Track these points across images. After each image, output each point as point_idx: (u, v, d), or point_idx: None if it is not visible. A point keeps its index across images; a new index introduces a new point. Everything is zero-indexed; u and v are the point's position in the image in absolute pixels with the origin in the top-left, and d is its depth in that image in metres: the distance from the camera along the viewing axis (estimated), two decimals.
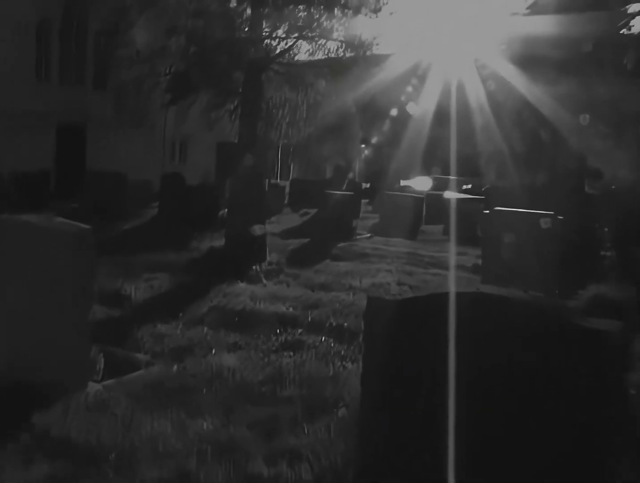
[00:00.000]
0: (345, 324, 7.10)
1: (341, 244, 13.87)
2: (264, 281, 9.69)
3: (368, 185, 32.63)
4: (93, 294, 5.54)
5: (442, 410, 3.66)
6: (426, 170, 38.36)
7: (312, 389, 5.09)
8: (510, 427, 3.55)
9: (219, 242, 12.46)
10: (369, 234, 16.77)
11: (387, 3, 26.72)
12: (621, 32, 20.66)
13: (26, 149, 22.66)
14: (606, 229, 10.63)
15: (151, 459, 4.04)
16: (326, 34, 25.56)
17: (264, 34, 24.30)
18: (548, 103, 20.90)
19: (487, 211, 9.79)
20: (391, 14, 27.17)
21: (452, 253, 13.78)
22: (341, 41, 26.36)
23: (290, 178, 36.30)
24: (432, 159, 37.16)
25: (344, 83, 26.07)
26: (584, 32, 18.27)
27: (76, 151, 25.82)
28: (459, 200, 20.08)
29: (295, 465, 4.03)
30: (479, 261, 11.48)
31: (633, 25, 20.87)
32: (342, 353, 6.14)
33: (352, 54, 26.52)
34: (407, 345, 3.73)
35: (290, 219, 19.59)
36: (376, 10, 26.45)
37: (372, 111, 36.55)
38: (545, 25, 19.31)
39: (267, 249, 11.67)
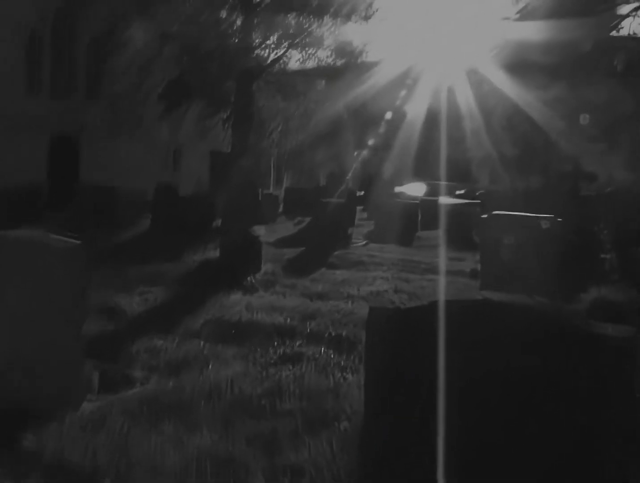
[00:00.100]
0: (344, 334, 6.98)
1: (337, 252, 13.75)
2: (260, 291, 9.57)
3: (362, 192, 32.55)
4: (86, 310, 5.42)
5: (448, 419, 3.56)
6: (420, 176, 38.31)
7: (312, 402, 4.96)
8: (521, 435, 3.45)
9: (214, 252, 12.34)
10: (364, 242, 16.67)
11: (377, 10, 26.77)
12: (611, 33, 20.70)
13: (18, 160, 22.50)
14: (605, 231, 10.55)
15: (149, 477, 3.92)
16: (317, 42, 25.57)
17: (254, 43, 24.29)
18: (539, 107, 20.92)
19: (485, 216, 9.70)
20: (382, 20, 27.22)
21: (442, 258, 13.68)
22: (332, 49, 26.37)
23: (284, 187, 36.25)
24: (425, 164, 37.14)
25: (336, 90, 26.07)
26: (573, 37, 18.29)
27: (69, 162, 25.67)
28: (455, 205, 20.03)
29: (297, 481, 3.91)
30: (477, 266, 11.39)
31: (622, 27, 20.93)
32: (342, 364, 6.02)
33: (343, 62, 26.54)
34: (410, 355, 3.62)
35: (284, 228, 19.48)
36: (367, 18, 26.47)
37: (364, 118, 36.53)
38: (536, 31, 19.32)
39: (262, 259, 11.55)
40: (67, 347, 4.98)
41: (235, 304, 8.46)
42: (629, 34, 20.71)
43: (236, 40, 23.85)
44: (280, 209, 25.84)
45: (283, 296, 9.31)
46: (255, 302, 8.63)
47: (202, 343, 6.74)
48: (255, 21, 24.13)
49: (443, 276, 10.91)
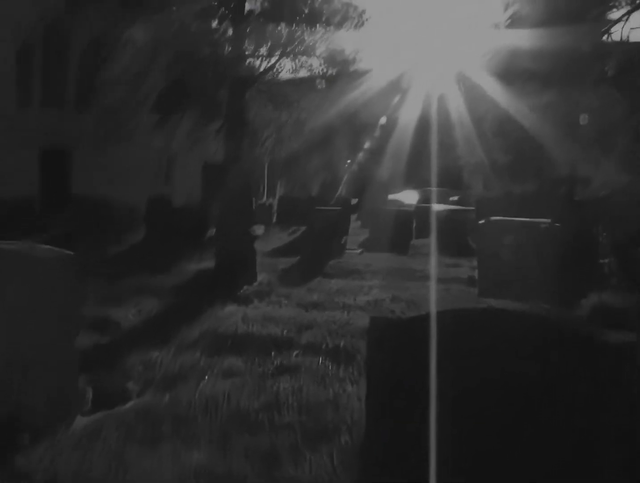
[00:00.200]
0: (342, 344, 6.87)
1: (332, 261, 13.66)
2: (256, 301, 9.47)
3: (356, 200, 32.52)
4: (79, 322, 5.30)
5: (452, 430, 3.47)
6: (413, 183, 38.32)
7: (311, 415, 4.85)
8: (530, 445, 3.36)
9: (208, 263, 12.23)
10: (360, 250, 16.58)
11: (369, 19, 26.78)
12: (602, 38, 20.74)
13: (9, 173, 22.39)
14: (604, 235, 10.49)
15: None
16: (309, 51, 25.54)
17: (246, 52, 24.26)
18: (532, 113, 20.95)
19: (482, 221, 9.61)
20: (373, 28, 27.24)
21: (438, 265, 13.62)
22: (324, 57, 26.36)
23: (278, 196, 36.20)
24: (418, 171, 37.18)
25: (328, 99, 26.07)
26: (564, 43, 18.32)
27: (60, 173, 25.56)
28: (449, 212, 19.98)
29: None
30: (474, 273, 11.31)
31: (613, 33, 20.98)
32: (341, 375, 5.91)
33: (335, 70, 26.53)
34: (412, 365, 3.53)
35: (279, 237, 19.39)
36: (358, 26, 26.47)
37: (356, 126, 36.57)
38: (526, 37, 19.35)
39: (257, 269, 11.45)
40: (60, 360, 4.87)
41: (231, 315, 8.35)
42: (620, 39, 20.75)
43: (228, 50, 23.82)
44: (274, 219, 25.75)
45: (279, 306, 9.20)
46: (251, 313, 8.53)
47: (198, 355, 6.63)
48: (247, 30, 24.09)
49: (441, 283, 10.82)
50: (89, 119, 23.38)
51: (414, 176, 38.62)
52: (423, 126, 32.98)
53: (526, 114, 21.29)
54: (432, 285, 10.70)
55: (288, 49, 25.05)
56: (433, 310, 3.66)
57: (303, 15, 24.61)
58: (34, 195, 22.76)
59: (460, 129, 27.87)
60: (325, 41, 25.38)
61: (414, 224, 19.44)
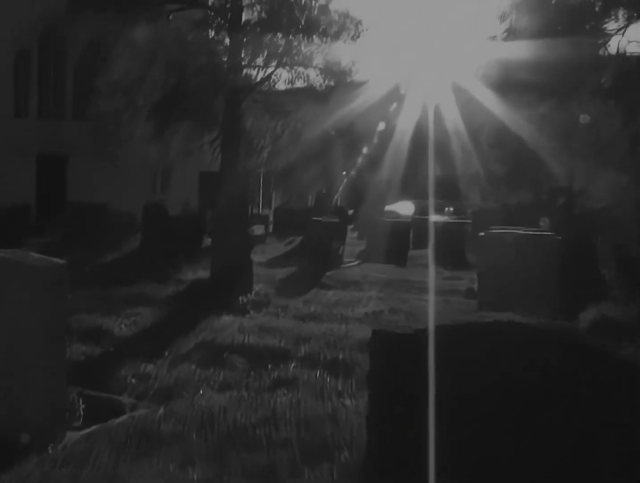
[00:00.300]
0: (340, 357, 6.73)
1: (329, 273, 13.53)
2: (252, 312, 9.32)
3: (351, 211, 32.45)
4: (68, 333, 5.15)
5: (459, 445, 3.34)
6: (409, 194, 38.29)
7: (310, 430, 4.69)
8: (541, 461, 3.24)
9: (204, 273, 12.09)
10: (357, 261, 16.45)
11: (366, 30, 26.72)
12: (599, 51, 20.72)
13: (6, 183, 22.29)
14: (605, 247, 10.37)
15: None
16: (305, 62, 25.48)
17: (243, 62, 24.18)
18: (528, 125, 20.91)
19: (482, 233, 9.48)
20: (370, 39, 27.22)
21: (436, 277, 13.50)
22: (320, 68, 26.28)
23: (273, 207, 36.09)
24: (415, 183, 37.16)
25: (324, 110, 26.00)
26: (561, 55, 18.28)
27: (57, 183, 25.46)
28: (446, 223, 19.89)
29: None
30: (473, 285, 11.19)
31: (609, 45, 20.96)
32: (339, 388, 5.76)
33: (332, 81, 26.45)
34: (416, 379, 3.39)
35: (275, 248, 19.25)
36: (355, 37, 26.43)
37: (353, 137, 36.51)
38: (523, 49, 19.31)
39: (254, 279, 11.31)
40: (50, 372, 4.71)
41: (227, 326, 8.21)
42: (617, 51, 20.73)
43: (225, 60, 23.74)
44: (270, 230, 25.65)
45: (276, 317, 9.06)
46: (248, 324, 8.39)
47: (193, 367, 6.47)
48: (244, 40, 24.02)
49: (439, 295, 10.69)
50: (86, 126, 23.26)
51: (410, 187, 38.57)
52: (419, 138, 32.97)
53: (523, 125, 21.25)
54: (436, 298, 10.58)
55: (285, 60, 24.96)
56: (431, 323, 3.54)
57: (300, 26, 24.55)
58: (30, 202, 22.64)
59: (456, 140, 27.85)
60: (322, 52, 25.31)
61: (411, 236, 19.33)
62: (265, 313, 9.34)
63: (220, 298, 9.74)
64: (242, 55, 24.34)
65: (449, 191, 33.53)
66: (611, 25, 20.76)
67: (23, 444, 4.28)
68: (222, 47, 24.30)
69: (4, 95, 24.73)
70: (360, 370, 6.16)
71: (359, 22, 26.21)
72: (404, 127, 36.20)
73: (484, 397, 3.36)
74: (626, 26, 20.32)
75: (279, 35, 24.16)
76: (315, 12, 24.75)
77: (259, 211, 34.52)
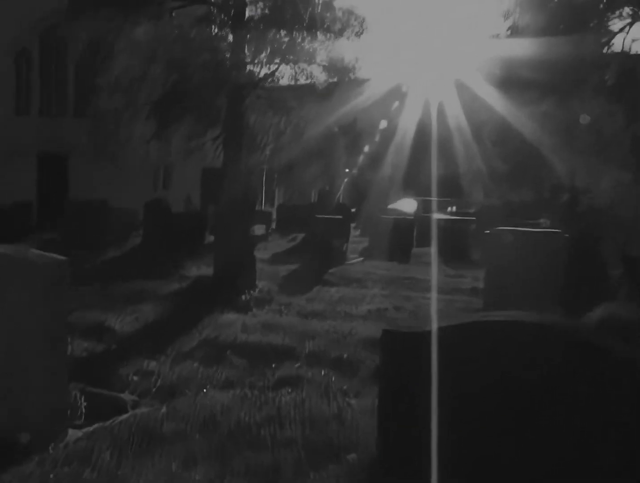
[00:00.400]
0: (345, 355, 6.65)
1: (332, 270, 13.44)
2: (255, 309, 9.24)
3: (354, 209, 32.38)
4: (70, 330, 5.07)
5: (472, 444, 3.27)
6: (411, 192, 38.21)
7: (315, 431, 4.61)
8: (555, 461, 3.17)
9: (206, 270, 12.00)
10: (360, 259, 16.37)
11: (369, 26, 26.62)
12: (603, 49, 20.64)
13: (7, 181, 22.27)
14: (612, 244, 10.27)
15: None
16: (309, 58, 25.40)
17: (246, 59, 24.10)
18: (531, 122, 20.82)
19: (489, 231, 9.38)
20: (373, 36, 27.12)
21: (440, 275, 13.44)
22: (324, 65, 26.21)
23: (276, 204, 36.03)
24: (417, 180, 37.07)
25: (327, 107, 25.94)
26: (565, 53, 18.21)
27: (58, 181, 25.43)
28: (449, 221, 19.80)
29: None
30: (477, 284, 11.11)
31: (613, 44, 20.88)
32: (345, 387, 5.68)
33: (335, 78, 26.37)
34: (427, 379, 3.32)
35: (278, 245, 19.17)
36: (359, 34, 26.33)
37: (355, 135, 36.45)
38: (527, 47, 19.23)
39: (257, 276, 11.23)
40: (52, 370, 4.63)
41: (230, 323, 8.12)
42: (621, 49, 20.65)
43: (228, 56, 23.66)
44: (273, 226, 25.59)
45: (279, 315, 8.97)
46: (251, 321, 8.30)
47: (196, 365, 6.40)
48: (247, 37, 23.94)
49: (444, 293, 10.60)
50: (87, 125, 23.21)
51: (413, 184, 38.50)
52: (422, 135, 32.90)
53: (525, 123, 21.17)
54: (439, 296, 10.50)
55: (288, 56, 24.90)
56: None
57: (304, 23, 24.46)
58: (31, 200, 22.61)
59: (459, 137, 27.76)
60: (325, 49, 25.23)
61: (415, 233, 19.24)
62: (268, 311, 9.25)
63: (223, 295, 9.66)
64: (246, 51, 24.27)
65: (451, 188, 33.46)
66: (615, 23, 20.69)
67: (23, 444, 4.21)
68: (225, 44, 24.24)
69: (5, 93, 24.71)
70: (366, 368, 6.10)
71: (363, 19, 26.13)
72: (407, 125, 36.13)
73: (495, 396, 3.28)
74: (631, 24, 20.24)
75: (283, 32, 24.09)
76: (319, 9, 24.67)
77: (261, 207, 34.45)
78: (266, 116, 26.72)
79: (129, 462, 4.15)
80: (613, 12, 20.47)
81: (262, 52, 24.65)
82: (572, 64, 18.41)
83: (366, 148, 41.87)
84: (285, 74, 26.50)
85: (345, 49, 25.62)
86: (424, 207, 31.57)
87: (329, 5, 23.78)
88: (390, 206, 31.86)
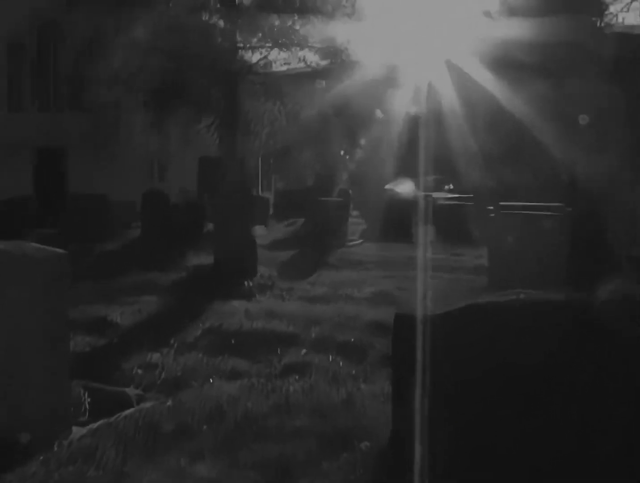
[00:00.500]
0: (352, 339, 6.54)
1: (333, 253, 13.33)
2: (258, 296, 9.14)
3: (351, 191, 32.25)
4: (71, 325, 4.95)
5: (490, 429, 3.17)
6: (408, 172, 38.02)
7: (326, 419, 4.48)
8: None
9: (208, 258, 11.88)
10: (360, 241, 16.27)
11: (361, 7, 26.37)
12: (602, 28, 20.48)
13: (4, 177, 22.13)
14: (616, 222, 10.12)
15: None
16: (302, 42, 25.18)
17: (238, 44, 23.89)
18: (527, 102, 20.65)
19: (492, 208, 9.24)
20: (366, 17, 26.86)
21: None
22: (317, 48, 26.01)
23: (274, 189, 35.89)
24: (414, 161, 36.88)
25: (321, 90, 25.78)
26: (562, 33, 18.04)
27: (56, 175, 25.30)
28: (447, 200, 19.71)
29: None
30: (480, 262, 11.00)
31: (613, 24, 20.73)
32: (354, 372, 5.57)
33: (328, 61, 26.18)
34: (444, 362, 3.21)
35: (277, 230, 19.06)
36: (351, 15, 26.09)
37: (350, 117, 36.21)
38: (521, 28, 19.04)
39: (258, 262, 11.12)
40: (53, 366, 4.51)
41: (234, 311, 8.02)
42: (620, 29, 20.52)
43: (220, 42, 23.45)
44: (271, 211, 25.49)
45: (282, 300, 8.88)
46: (254, 308, 8.20)
47: (200, 355, 6.29)
48: (238, 22, 23.72)
49: (447, 272, 10.50)
50: (84, 117, 23.10)
51: (409, 165, 38.29)
52: (417, 116, 32.70)
53: (521, 104, 21.01)
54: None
55: (280, 41, 24.69)
56: (470, 303, 3.34)
57: (295, 6, 24.24)
58: (29, 193, 22.49)
59: (454, 118, 27.58)
60: (317, 32, 25.02)
61: (413, 213, 19.11)
62: (270, 296, 9.16)
63: (224, 283, 9.56)
64: (238, 37, 24.06)
65: (448, 168, 33.30)
66: (613, 2, 20.55)
67: (23, 444, 4.10)
68: (217, 30, 24.02)
69: (1, 88, 24.57)
70: (374, 352, 6.00)
71: (354, 1, 25.86)
72: (402, 106, 35.90)
73: (513, 375, 3.17)
74: (630, 3, 20.10)
75: (275, 15, 23.86)
76: None
77: (258, 193, 34.28)
78: (260, 101, 26.55)
79: (135, 458, 4.04)
80: None
81: (255, 37, 24.45)
82: (569, 44, 18.26)
83: (362, 130, 41.65)
84: (278, 59, 26.32)
85: (337, 31, 25.41)
86: (422, 187, 31.36)
87: None
88: (388, 187, 31.74)
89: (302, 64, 26.27)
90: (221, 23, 24.26)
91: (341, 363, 5.84)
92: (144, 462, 3.97)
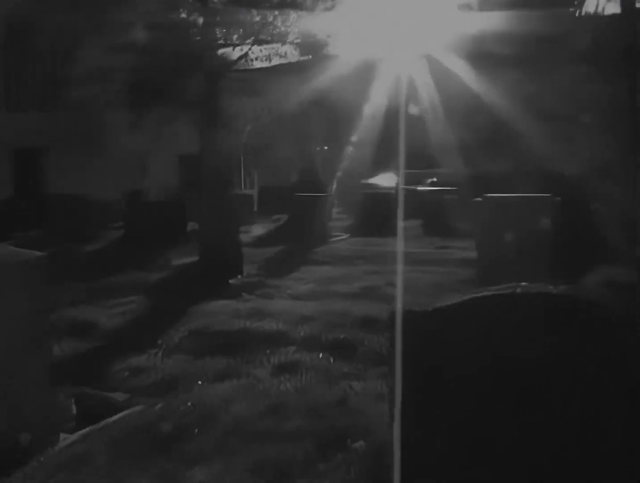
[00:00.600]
0: (342, 337, 6.44)
1: (318, 248, 13.23)
2: (244, 294, 9.01)
3: (334, 186, 32.17)
4: (54, 329, 4.82)
5: (505, 427, 3.08)
6: (389, 166, 38.00)
7: (319, 418, 4.39)
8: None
9: (191, 258, 11.74)
10: (345, 235, 16.17)
11: (338, 2, 26.27)
12: (576, 13, 20.43)
13: None
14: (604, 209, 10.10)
15: None
16: (282, 38, 25.04)
17: (218, 42, 23.70)
18: (505, 92, 20.63)
19: (479, 199, 9.17)
20: (344, 11, 26.77)
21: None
22: (296, 43, 25.88)
23: (257, 186, 35.73)
24: (393, 154, 36.83)
25: (301, 86, 25.67)
26: (536, 19, 17.99)
27: (35, 177, 25.05)
28: (431, 192, 19.67)
29: None
30: (468, 254, 10.94)
31: (587, 7, 20.65)
32: (346, 370, 5.48)
33: (308, 56, 26.08)
34: (454, 358, 3.12)
35: (262, 227, 18.93)
36: (330, 8, 25.96)
37: (330, 112, 36.10)
38: (496, 18, 19.00)
39: (243, 260, 10.99)
40: (36, 372, 4.38)
41: (220, 311, 7.89)
42: (594, 11, 20.43)
43: (198, 39, 23.27)
44: (255, 208, 25.40)
45: (269, 298, 8.76)
46: (241, 307, 8.08)
47: (188, 356, 6.17)
48: (217, 19, 23.54)
49: (434, 265, 10.43)
50: (60, 117, 22.87)
51: (390, 158, 38.24)
52: (396, 109, 32.64)
53: (498, 94, 20.98)
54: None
55: (260, 37, 24.52)
56: (476, 295, 3.25)
57: (275, 1, 24.08)
58: (8, 195, 22.26)
59: (433, 110, 27.56)
60: (297, 27, 24.87)
61: (397, 207, 19.03)
62: (258, 294, 9.03)
63: (210, 281, 9.43)
64: (217, 34, 23.87)
65: (430, 161, 33.30)
66: None
67: (23, 445, 3.98)
68: (196, 28, 23.82)
69: None
70: (365, 349, 5.91)
71: None
72: (380, 99, 35.83)
73: (526, 369, 3.09)
74: None
75: (254, 11, 23.69)
76: None
77: (241, 190, 34.12)
78: (240, 98, 26.40)
79: (125, 463, 3.93)
80: None
81: (234, 34, 24.27)
82: (543, 31, 18.21)
83: (343, 125, 41.54)
84: (258, 55, 26.17)
85: (316, 25, 25.29)
86: (404, 180, 31.31)
87: None
88: (370, 181, 31.70)
89: (283, 60, 26.17)
90: (200, 20, 24.09)
91: (332, 360, 5.75)
92: (134, 467, 3.86)
